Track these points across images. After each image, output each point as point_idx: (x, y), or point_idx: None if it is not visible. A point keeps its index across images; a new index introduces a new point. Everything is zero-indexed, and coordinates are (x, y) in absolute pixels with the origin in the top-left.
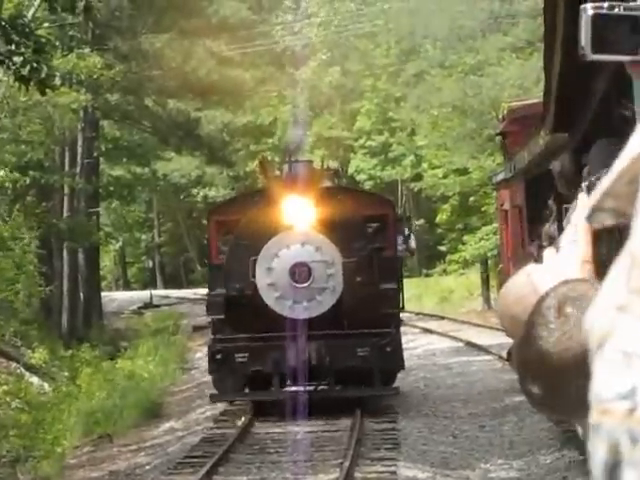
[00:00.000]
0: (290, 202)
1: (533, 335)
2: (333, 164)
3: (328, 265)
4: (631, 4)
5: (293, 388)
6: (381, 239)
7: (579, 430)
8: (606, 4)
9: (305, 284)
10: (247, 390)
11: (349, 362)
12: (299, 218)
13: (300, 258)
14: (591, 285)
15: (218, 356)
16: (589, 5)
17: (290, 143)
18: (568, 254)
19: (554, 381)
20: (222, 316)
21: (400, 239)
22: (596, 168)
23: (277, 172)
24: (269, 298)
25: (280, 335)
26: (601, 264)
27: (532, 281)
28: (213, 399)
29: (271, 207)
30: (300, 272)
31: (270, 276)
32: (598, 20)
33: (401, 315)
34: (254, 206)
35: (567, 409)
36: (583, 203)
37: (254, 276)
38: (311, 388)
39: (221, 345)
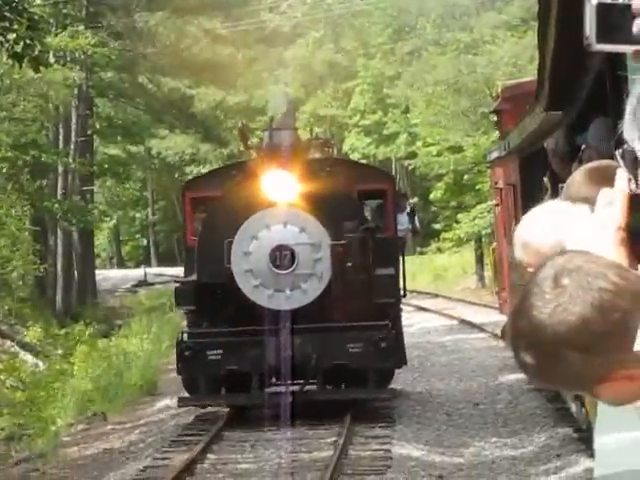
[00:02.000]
0: (271, 175)
1: (528, 304)
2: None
3: (314, 248)
4: None
5: (274, 389)
6: (379, 218)
7: (573, 407)
8: None
9: (288, 270)
10: (223, 392)
11: (339, 360)
12: (281, 194)
13: (282, 240)
14: (589, 257)
15: (187, 353)
16: None
17: (275, 112)
18: (604, 219)
19: (547, 352)
20: (193, 307)
21: (405, 217)
22: (595, 144)
23: (257, 141)
24: (246, 286)
25: (259, 329)
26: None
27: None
28: (181, 403)
29: (250, 181)
30: (282, 256)
31: (247, 261)
32: (603, 9)
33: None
34: (232, 180)
35: (560, 381)
36: (622, 173)
37: (229, 261)
38: (296, 389)
39: (191, 340)
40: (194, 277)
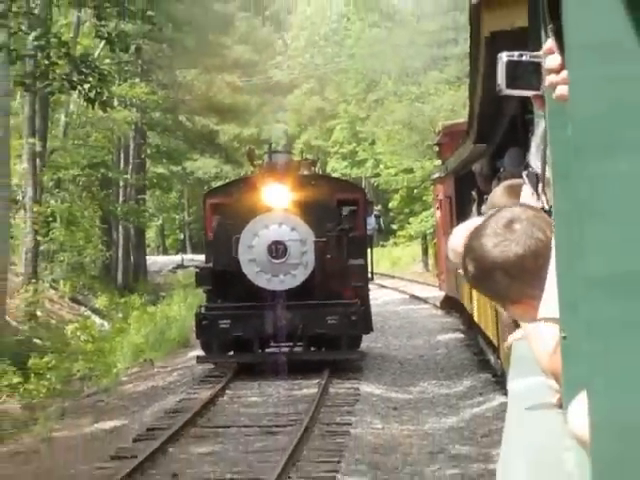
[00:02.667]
0: (269, 187)
1: (483, 232)
2: (311, 157)
3: (302, 243)
4: (535, 53)
5: (271, 350)
6: (352, 220)
7: (492, 359)
8: (517, 53)
9: (281, 260)
10: (232, 352)
11: (320, 329)
12: (277, 201)
13: (277, 237)
14: (537, 212)
15: (204, 322)
16: (504, 54)
17: (277, 141)
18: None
19: (484, 268)
20: (209, 287)
21: (372, 220)
22: (509, 168)
23: (260, 161)
24: (250, 272)
25: (259, 305)
26: None
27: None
28: (199, 361)
29: (253, 191)
30: (277, 249)
31: (251, 253)
32: (510, 65)
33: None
34: (239, 191)
35: (487, 291)
36: (527, 189)
37: (237, 252)
38: (286, 350)
39: (207, 313)
40: (210, 264)
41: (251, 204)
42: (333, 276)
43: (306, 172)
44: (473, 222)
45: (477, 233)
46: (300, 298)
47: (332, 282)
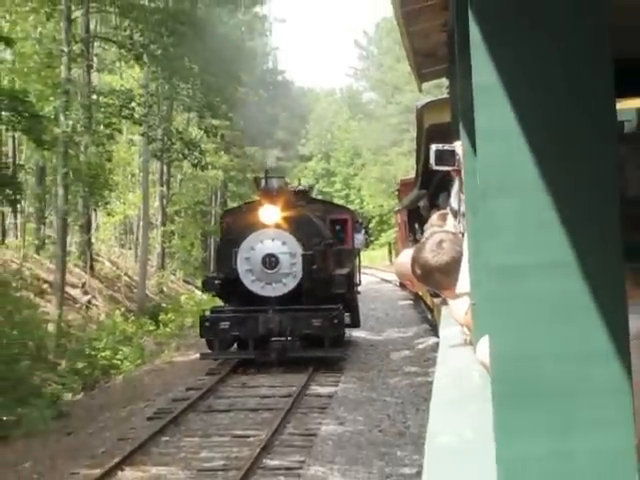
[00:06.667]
0: (264, 207)
1: (424, 248)
2: (306, 185)
3: (292, 256)
4: (452, 145)
5: (266, 348)
6: (342, 236)
7: (429, 315)
8: (441, 145)
9: (274, 270)
10: (236, 348)
11: (306, 330)
12: (270, 219)
13: (271, 250)
14: (455, 235)
15: (207, 323)
16: (433, 145)
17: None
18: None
19: (426, 271)
20: (214, 292)
21: (361, 236)
22: (442, 205)
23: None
24: (247, 280)
25: (254, 309)
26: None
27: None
28: (202, 357)
29: (253, 211)
30: (270, 261)
31: (248, 264)
32: (437, 152)
33: (356, 284)
34: (244, 210)
35: (430, 284)
36: (450, 217)
37: (236, 264)
38: (278, 347)
39: (209, 315)
40: (215, 273)
41: (250, 222)
42: (318, 284)
43: (300, 196)
44: (409, 252)
45: (421, 249)
46: (289, 303)
47: (318, 289)
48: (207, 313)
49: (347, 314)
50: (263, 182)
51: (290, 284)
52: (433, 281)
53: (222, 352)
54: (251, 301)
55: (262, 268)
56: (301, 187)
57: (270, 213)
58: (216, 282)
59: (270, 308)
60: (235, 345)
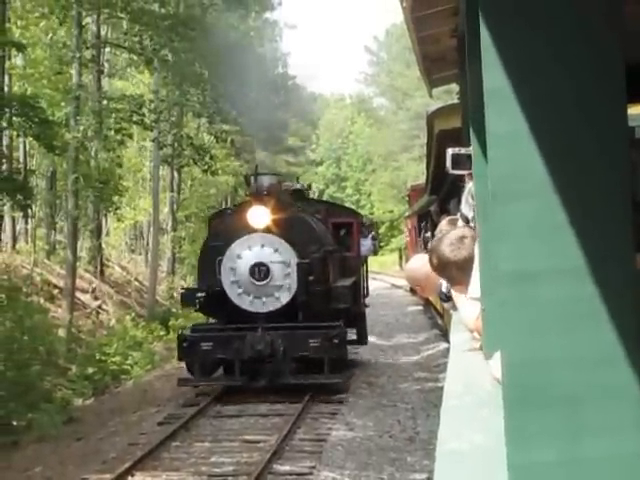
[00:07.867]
0: (252, 209)
1: (443, 242)
2: (303, 184)
3: (285, 265)
4: (468, 149)
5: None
6: (346, 241)
7: (439, 321)
8: (457, 149)
9: (264, 282)
10: (221, 372)
11: (302, 351)
12: (258, 222)
13: (260, 258)
14: (474, 234)
15: (185, 344)
16: (450, 149)
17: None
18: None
19: (443, 263)
20: (195, 307)
21: (369, 241)
22: (452, 210)
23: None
24: (233, 294)
25: (241, 326)
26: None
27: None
28: (180, 384)
29: (238, 215)
30: (260, 271)
31: (234, 274)
32: (454, 155)
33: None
34: (231, 213)
35: (444, 276)
36: (460, 222)
37: (220, 274)
38: (269, 370)
39: (189, 334)
40: (196, 285)
41: (237, 226)
42: (317, 298)
43: (294, 196)
44: (419, 257)
45: (439, 241)
46: (282, 320)
47: (315, 304)
48: (187, 331)
49: (353, 330)
50: (252, 180)
51: (283, 298)
52: (448, 273)
53: (203, 378)
54: (238, 318)
55: (250, 279)
56: (298, 185)
57: (260, 215)
58: (197, 295)
59: (260, 326)
60: (221, 369)
